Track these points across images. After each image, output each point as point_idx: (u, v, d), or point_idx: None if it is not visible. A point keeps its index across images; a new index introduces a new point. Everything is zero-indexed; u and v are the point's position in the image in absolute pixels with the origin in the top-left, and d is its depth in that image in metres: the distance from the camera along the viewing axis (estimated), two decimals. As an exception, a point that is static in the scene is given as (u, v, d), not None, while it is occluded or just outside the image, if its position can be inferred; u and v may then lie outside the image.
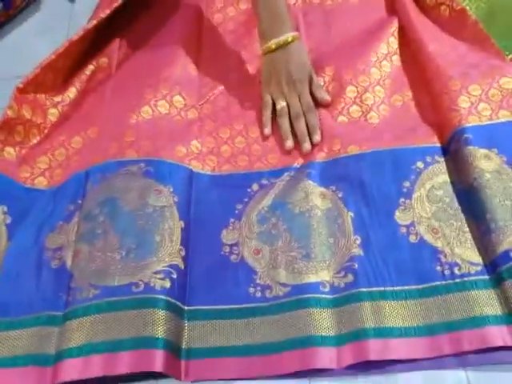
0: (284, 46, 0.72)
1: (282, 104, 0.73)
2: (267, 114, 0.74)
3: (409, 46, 0.80)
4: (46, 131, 0.77)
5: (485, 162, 0.62)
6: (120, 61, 0.84)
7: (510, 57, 0.73)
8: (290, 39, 0.72)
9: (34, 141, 0.76)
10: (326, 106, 0.74)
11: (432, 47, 0.75)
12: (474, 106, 0.68)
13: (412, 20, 0.80)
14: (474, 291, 0.56)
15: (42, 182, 0.72)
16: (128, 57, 0.85)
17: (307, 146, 0.70)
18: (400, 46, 0.81)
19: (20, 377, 0.55)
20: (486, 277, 0.57)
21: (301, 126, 0.71)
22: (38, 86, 0.77)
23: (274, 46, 0.72)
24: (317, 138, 0.70)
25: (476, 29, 0.77)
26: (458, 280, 0.57)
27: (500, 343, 0.52)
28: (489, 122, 0.66)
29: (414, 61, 0.78)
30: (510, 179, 0.61)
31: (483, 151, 0.63)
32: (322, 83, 0.76)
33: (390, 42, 0.80)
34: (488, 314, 0.54)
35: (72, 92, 0.82)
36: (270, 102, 0.75)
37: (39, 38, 0.96)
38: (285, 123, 0.73)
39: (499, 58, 0.73)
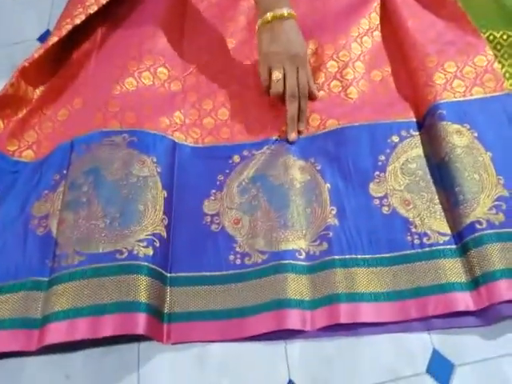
0: (280, 18, 0.70)
1: (278, 76, 0.71)
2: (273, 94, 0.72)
3: (389, 21, 0.81)
4: (32, 104, 0.78)
5: (457, 137, 0.65)
6: (104, 34, 0.85)
7: (485, 35, 0.75)
8: (285, 14, 0.71)
9: (20, 115, 0.77)
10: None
11: (411, 23, 0.77)
12: (449, 83, 0.70)
13: None
14: (441, 260, 0.59)
15: (29, 155, 0.73)
16: (112, 29, 0.85)
17: (293, 135, 0.70)
18: (381, 21, 0.82)
19: (7, 339, 0.57)
20: (453, 246, 0.60)
21: (292, 109, 0.71)
22: (37, 64, 0.77)
23: (269, 18, 0.70)
24: (302, 127, 0.72)
25: (454, 7, 0.78)
26: (426, 249, 0.60)
27: (463, 308, 0.56)
28: (462, 99, 0.69)
29: (393, 36, 0.79)
30: (479, 154, 0.64)
31: (456, 126, 0.66)
32: None
33: (371, 18, 0.81)
34: (453, 281, 0.57)
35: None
36: (268, 77, 0.73)
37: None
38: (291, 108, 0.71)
39: (475, 35, 0.74)
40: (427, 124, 0.69)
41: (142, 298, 0.56)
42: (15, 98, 0.76)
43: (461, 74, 0.70)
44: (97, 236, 0.61)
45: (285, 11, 0.70)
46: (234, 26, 0.84)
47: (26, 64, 0.75)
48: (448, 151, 0.64)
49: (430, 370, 0.55)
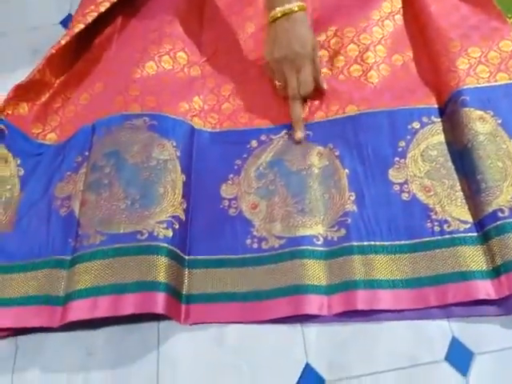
0: (289, 14, 0.68)
1: (279, 84, 0.72)
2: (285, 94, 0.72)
3: (412, 5, 0.80)
4: (55, 88, 0.79)
5: (480, 123, 0.64)
6: (124, 19, 0.85)
7: (511, 20, 0.73)
8: (295, 8, 0.69)
9: (43, 98, 0.78)
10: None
11: (434, 7, 0.76)
12: (473, 68, 0.68)
13: None
14: (461, 247, 0.58)
15: (52, 138, 0.75)
16: (132, 15, 0.85)
17: (299, 134, 0.69)
18: (403, 5, 0.81)
19: (32, 315, 0.59)
20: (475, 234, 0.59)
21: (296, 111, 0.70)
22: (61, 51, 0.78)
23: (279, 14, 0.68)
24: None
25: None
26: (447, 236, 0.60)
27: (483, 296, 0.55)
28: (486, 84, 0.67)
29: (415, 21, 0.78)
30: (503, 141, 0.63)
31: (479, 113, 0.65)
32: (325, 37, 0.77)
33: (393, 1, 0.80)
34: (474, 269, 0.57)
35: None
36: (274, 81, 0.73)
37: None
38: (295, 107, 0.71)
39: (500, 20, 0.73)
40: (449, 110, 0.68)
41: (162, 277, 0.57)
42: (40, 83, 0.77)
43: (485, 60, 0.69)
44: (118, 217, 0.62)
45: (294, 6, 0.68)
46: (254, 10, 0.83)
47: (53, 51, 0.76)
48: (470, 138, 0.63)
49: (449, 358, 0.54)
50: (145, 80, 0.74)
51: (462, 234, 0.59)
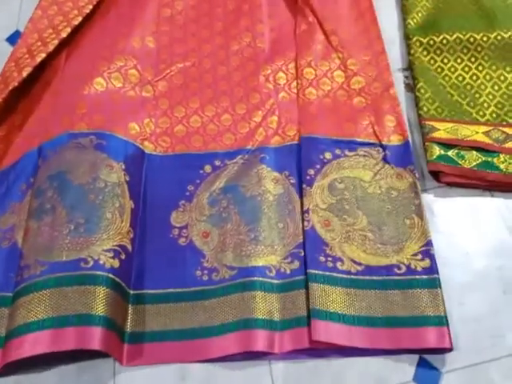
0: None
1: None
2: None
3: None
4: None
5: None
6: (77, 35, 0.80)
7: (465, 37, 0.74)
8: None
9: None
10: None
11: None
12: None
13: None
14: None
15: None
16: (84, 28, 0.81)
17: None
18: None
19: None
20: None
21: None
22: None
23: None
24: None
25: None
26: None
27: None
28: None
29: None
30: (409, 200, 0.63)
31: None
32: (283, 62, 0.77)
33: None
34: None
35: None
36: None
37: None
38: None
39: None
40: None
41: (102, 311, 0.53)
42: None
43: None
44: (60, 243, 0.58)
45: None
46: (210, 31, 0.82)
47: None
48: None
49: (417, 378, 0.54)
50: (92, 97, 0.70)
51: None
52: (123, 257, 0.58)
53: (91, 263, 0.56)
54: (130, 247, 0.60)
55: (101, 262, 0.56)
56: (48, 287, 0.55)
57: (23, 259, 0.58)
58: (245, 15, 0.81)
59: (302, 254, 0.60)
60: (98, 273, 0.56)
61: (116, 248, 0.58)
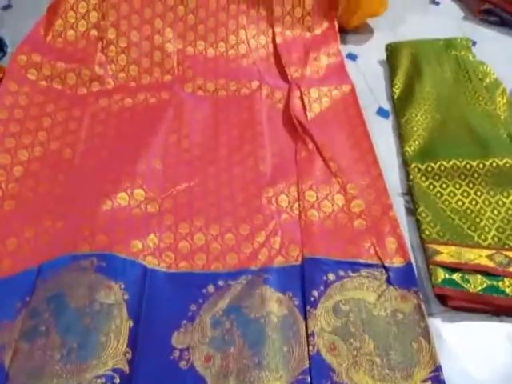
0: None
1: None
2: None
3: None
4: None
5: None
6: (83, 153, 0.83)
7: (462, 164, 0.78)
8: None
9: None
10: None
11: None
12: None
13: None
14: None
15: None
16: (92, 150, 0.84)
17: None
18: None
19: None
20: None
21: None
22: None
23: None
24: None
25: None
26: None
27: None
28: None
29: None
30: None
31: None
32: (284, 184, 0.79)
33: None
34: None
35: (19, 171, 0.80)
36: None
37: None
38: None
39: None
40: None
41: None
42: None
43: None
44: (51, 368, 0.55)
45: None
46: (214, 154, 0.85)
47: None
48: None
49: None
50: (97, 216, 0.70)
51: None
52: (117, 381, 0.55)
53: None
54: (127, 368, 0.57)
55: None
56: None
57: (10, 381, 0.55)
58: (248, 142, 0.85)
59: (308, 380, 0.57)
60: None
61: (109, 373, 0.55)
